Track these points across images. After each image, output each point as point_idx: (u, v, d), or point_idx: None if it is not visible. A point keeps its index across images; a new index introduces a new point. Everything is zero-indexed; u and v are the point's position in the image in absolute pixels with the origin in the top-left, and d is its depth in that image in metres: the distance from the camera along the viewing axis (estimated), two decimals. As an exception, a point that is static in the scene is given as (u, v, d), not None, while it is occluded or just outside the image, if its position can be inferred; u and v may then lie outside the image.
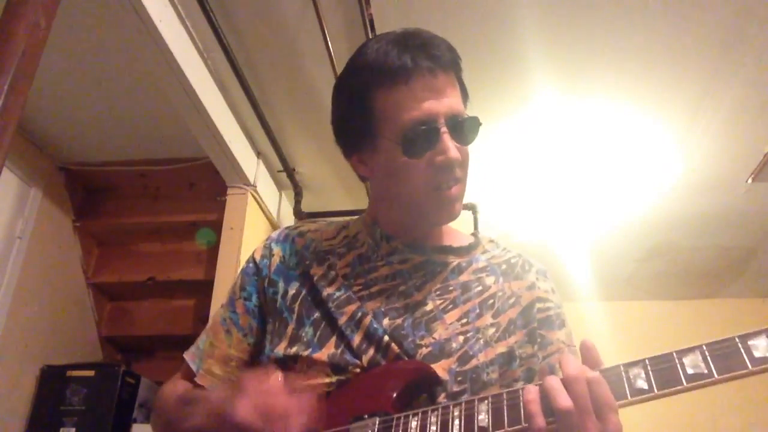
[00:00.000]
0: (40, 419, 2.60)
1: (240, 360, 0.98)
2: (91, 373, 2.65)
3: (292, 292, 0.96)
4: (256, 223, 2.77)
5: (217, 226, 2.73)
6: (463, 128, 0.89)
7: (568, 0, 1.98)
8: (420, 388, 0.85)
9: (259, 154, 2.79)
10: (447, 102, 0.88)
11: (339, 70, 2.15)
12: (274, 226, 2.96)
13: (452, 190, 0.90)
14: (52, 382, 2.65)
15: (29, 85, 0.83)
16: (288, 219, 3.09)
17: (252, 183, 2.71)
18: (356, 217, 1.09)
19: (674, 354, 0.66)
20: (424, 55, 0.88)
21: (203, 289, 2.71)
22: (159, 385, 1.03)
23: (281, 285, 0.97)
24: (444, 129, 0.87)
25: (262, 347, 0.98)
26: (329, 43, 2.09)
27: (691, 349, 0.66)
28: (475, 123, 0.91)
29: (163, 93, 2.26)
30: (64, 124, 2.75)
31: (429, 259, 0.96)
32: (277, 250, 1.01)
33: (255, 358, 0.98)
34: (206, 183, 2.93)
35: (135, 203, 3.08)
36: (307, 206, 3.02)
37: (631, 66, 2.23)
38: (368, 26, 2.01)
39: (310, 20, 2.04)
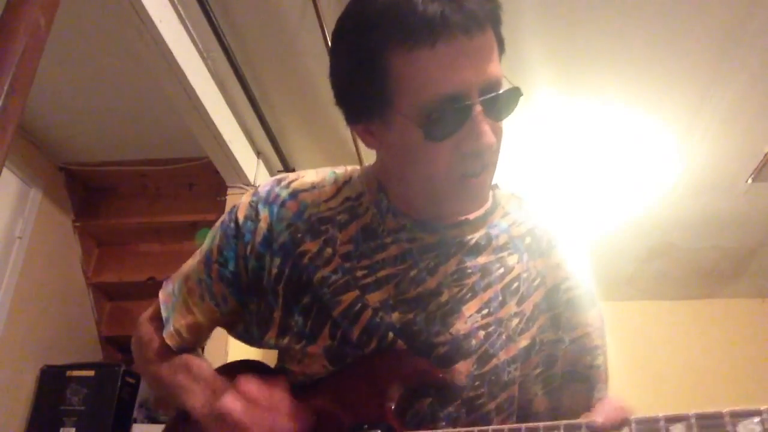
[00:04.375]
0: (40, 419, 2.61)
1: (209, 328, 0.91)
2: (91, 373, 2.66)
3: (275, 271, 0.83)
4: (256, 223, 2.77)
5: (217, 226, 2.73)
6: (499, 103, 0.72)
7: (568, 1, 1.99)
8: (424, 392, 0.78)
9: (259, 153, 2.79)
10: (483, 70, 0.70)
11: (339, 70, 2.16)
12: (274, 226, 2.96)
13: (480, 178, 0.75)
14: (52, 382, 2.65)
15: (29, 85, 0.83)
16: (288, 219, 3.09)
17: (252, 183, 2.70)
18: (359, 168, 0.90)
19: (725, 414, 0.57)
20: (456, 6, 0.67)
21: (203, 289, 2.71)
22: (159, 385, 1.03)
23: (267, 259, 0.84)
24: (478, 108, 0.70)
25: (234, 320, 0.91)
26: (329, 43, 2.08)
27: (748, 412, 0.56)
28: (515, 95, 0.73)
29: (163, 93, 2.25)
30: (64, 124, 2.75)
31: (442, 239, 0.82)
32: (264, 214, 0.86)
33: (228, 329, 0.93)
34: (206, 183, 2.93)
35: (135, 203, 3.09)
36: (307, 206, 3.02)
37: (631, 66, 2.23)
38: (368, 26, 2.00)
39: (310, 20, 2.03)
